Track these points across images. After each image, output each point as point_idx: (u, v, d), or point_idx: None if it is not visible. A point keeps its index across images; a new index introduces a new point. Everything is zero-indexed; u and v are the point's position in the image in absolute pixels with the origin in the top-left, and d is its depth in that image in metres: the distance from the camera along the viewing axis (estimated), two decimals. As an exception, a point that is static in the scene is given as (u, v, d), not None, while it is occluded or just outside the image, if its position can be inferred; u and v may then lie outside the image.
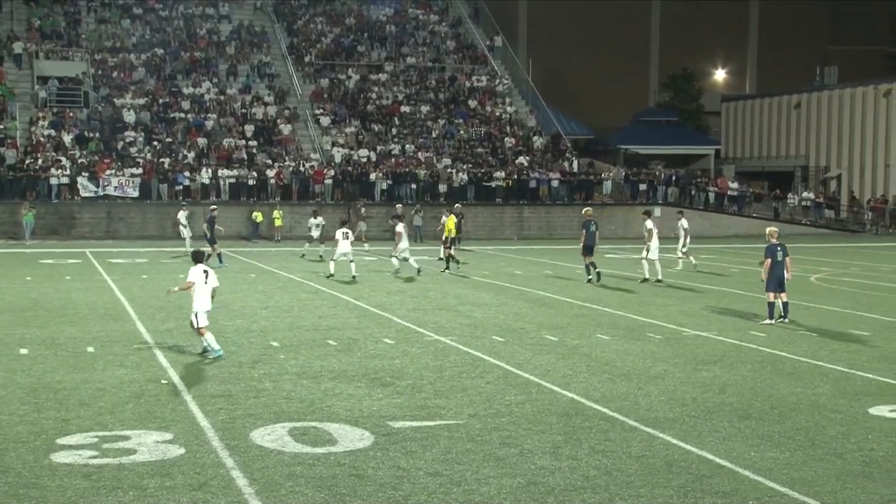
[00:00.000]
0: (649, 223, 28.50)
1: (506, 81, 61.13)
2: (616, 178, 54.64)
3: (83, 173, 45.80)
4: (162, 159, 48.16)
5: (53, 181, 45.31)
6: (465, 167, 52.09)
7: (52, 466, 9.80)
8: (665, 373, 14.98)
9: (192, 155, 49.11)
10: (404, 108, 56.64)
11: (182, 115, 52.01)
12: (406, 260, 29.59)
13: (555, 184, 52.48)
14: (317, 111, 55.05)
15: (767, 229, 20.80)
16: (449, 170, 51.65)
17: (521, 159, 53.80)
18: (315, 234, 35.63)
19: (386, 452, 10.45)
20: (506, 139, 55.78)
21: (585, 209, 30.58)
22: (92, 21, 57.70)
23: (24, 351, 16.06)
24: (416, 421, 11.80)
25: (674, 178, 56.29)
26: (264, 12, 62.63)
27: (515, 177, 52.06)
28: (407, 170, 50.98)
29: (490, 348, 16.96)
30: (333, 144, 52.36)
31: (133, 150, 48.61)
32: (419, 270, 29.36)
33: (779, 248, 19.84)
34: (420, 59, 61.34)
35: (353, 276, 27.64)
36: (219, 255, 30.85)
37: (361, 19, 63.81)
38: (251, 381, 13.97)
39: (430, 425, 11.60)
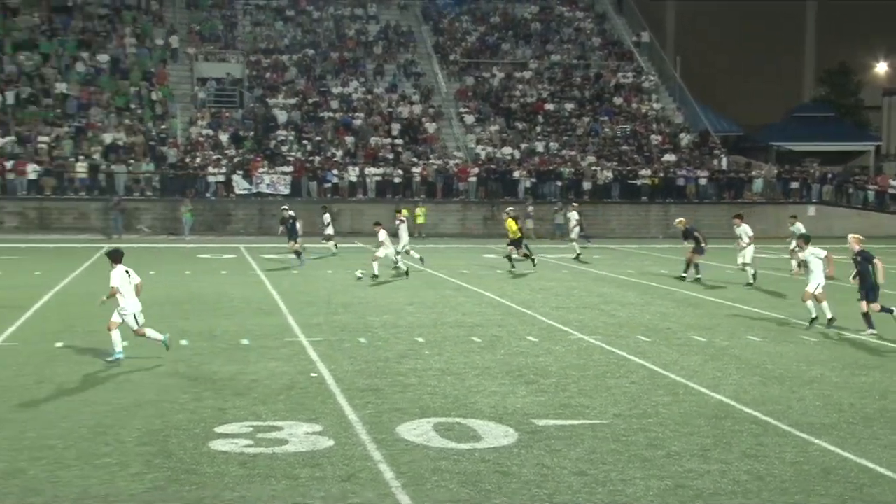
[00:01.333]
0: (799, 225, 28.04)
1: (652, 77, 60.18)
2: (768, 176, 53.10)
3: (238, 171, 47.38)
4: (311, 157, 49.38)
5: (211, 179, 47.04)
6: (609, 165, 51.56)
7: (211, 454, 10.20)
8: (820, 377, 14.50)
9: (340, 153, 50.18)
10: (548, 106, 56.44)
11: (331, 114, 53.20)
12: (400, 254, 29.29)
13: (703, 182, 51.38)
14: (461, 109, 55.42)
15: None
16: (593, 167, 51.21)
17: (668, 157, 52.88)
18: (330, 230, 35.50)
19: (530, 450, 10.46)
20: (652, 136, 54.93)
21: (678, 220, 30.05)
22: (247, 24, 59.58)
23: (184, 342, 16.75)
24: (560, 419, 11.77)
25: (829, 176, 54.30)
26: (411, 12, 63.41)
27: (661, 175, 51.21)
28: (551, 167, 50.80)
29: (635, 348, 16.76)
30: (477, 142, 52.62)
31: (284, 148, 49.99)
32: (406, 272, 27.77)
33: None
34: (565, 56, 60.99)
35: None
36: (298, 254, 30.66)
37: (506, 17, 63.89)
38: (397, 377, 14.19)
39: (574, 424, 11.55)
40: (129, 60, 53.94)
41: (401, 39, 60.63)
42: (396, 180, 48.94)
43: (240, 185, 47.04)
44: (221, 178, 47.19)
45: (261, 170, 47.58)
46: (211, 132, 50.42)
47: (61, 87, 50.93)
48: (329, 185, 48.04)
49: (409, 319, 19.80)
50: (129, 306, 14.81)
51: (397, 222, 31.02)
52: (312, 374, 14.23)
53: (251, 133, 50.78)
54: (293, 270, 28.99)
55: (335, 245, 35.17)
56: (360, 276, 26.76)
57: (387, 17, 62.70)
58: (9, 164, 45.17)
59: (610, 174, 50.70)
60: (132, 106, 50.98)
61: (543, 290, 25.03)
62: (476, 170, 49.81)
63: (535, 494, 9.09)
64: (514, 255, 29.77)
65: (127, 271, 14.82)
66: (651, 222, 50.02)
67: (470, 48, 60.47)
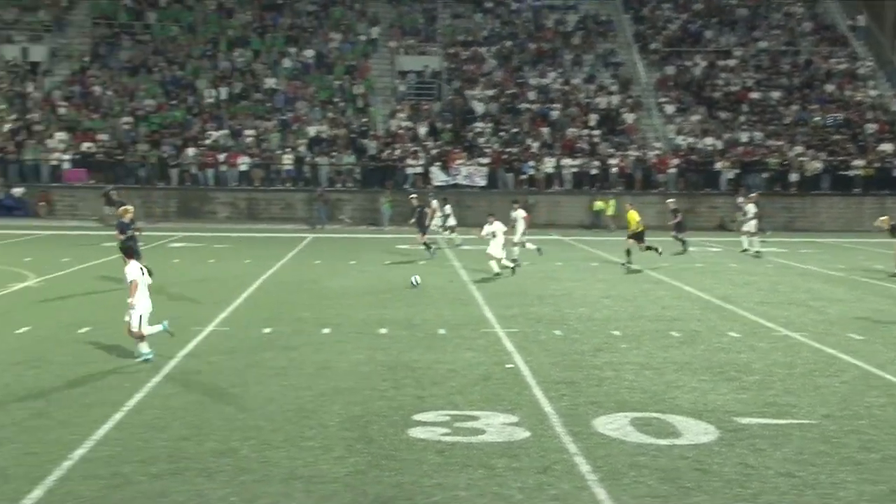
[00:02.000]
0: None
1: (869, 63, 57.16)
2: None
3: (435, 163, 48.21)
4: (508, 149, 49.64)
5: (409, 171, 48.07)
6: (819, 155, 49.35)
7: (409, 441, 10.45)
8: None
9: (536, 144, 50.22)
10: (754, 95, 54.56)
11: (528, 105, 53.29)
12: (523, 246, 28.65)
13: (922, 173, 48.46)
14: (661, 99, 54.37)
15: None
16: (801, 158, 49.17)
17: (885, 146, 50.11)
18: (451, 222, 34.85)
19: (732, 448, 10.19)
20: (867, 125, 52.19)
21: (881, 218, 28.49)
22: (447, 16, 60.46)
23: (383, 331, 17.20)
24: (765, 418, 11.39)
25: None
26: (611, 2, 62.67)
27: (877, 165, 48.59)
28: (756, 158, 49.12)
29: (846, 346, 16.01)
30: (678, 132, 51.50)
31: (481, 140, 50.47)
32: (513, 268, 26.49)
33: None
34: (773, 43, 58.78)
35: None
36: (427, 245, 30.38)
37: (710, 4, 62.17)
38: (593, 370, 14.10)
39: (779, 423, 11.16)
40: (332, 55, 55.78)
41: (600, 29, 60.03)
42: (593, 172, 48.55)
43: (437, 176, 47.84)
44: (420, 169, 48.13)
45: (458, 161, 48.23)
46: (410, 124, 51.49)
47: (270, 82, 53.23)
48: (525, 176, 48.17)
49: (605, 312, 19.63)
50: (141, 305, 14.07)
51: (513, 214, 30.59)
52: (508, 366, 14.33)
53: (449, 125, 51.53)
54: (420, 262, 28.99)
55: (456, 236, 34.81)
56: (511, 265, 26.24)
57: (586, 6, 62.21)
58: (221, 157, 47.62)
59: (819, 165, 48.55)
60: (335, 99, 52.69)
61: (746, 285, 24.27)
62: (676, 161, 48.77)
63: (738, 494, 8.84)
64: (637, 249, 28.48)
65: (142, 269, 14.28)
66: (864, 215, 47.52)
67: (671, 36, 59.21)
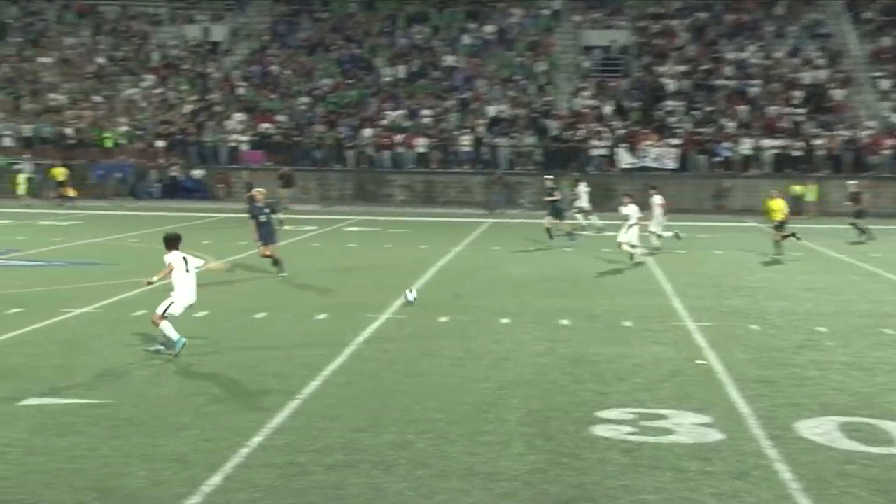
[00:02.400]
0: None
1: None
2: None
3: (622, 144, 47.58)
4: (701, 129, 48.47)
5: (593, 152, 47.63)
6: None
7: (592, 439, 10.34)
8: None
9: (733, 124, 48.83)
10: (983, 66, 51.38)
11: (724, 81, 51.87)
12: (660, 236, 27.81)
13: None
14: (875, 73, 51.85)
15: None
16: None
17: None
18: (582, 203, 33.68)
19: (956, 462, 9.62)
20: None
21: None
22: (635, -13, 59.53)
23: (564, 321, 17.10)
24: None
25: None
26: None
27: None
28: (984, 138, 46.28)
29: None
30: (894, 110, 49.01)
31: (672, 119, 49.48)
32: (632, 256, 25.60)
33: None
34: None
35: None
36: (569, 233, 29.84)
37: (933, -35, 58.85)
38: (795, 368, 13.60)
39: None
40: (514, 30, 55.82)
41: (807, -3, 57.82)
42: (796, 153, 46.82)
43: (624, 158, 47.22)
44: (605, 151, 47.62)
45: (646, 143, 47.44)
46: (595, 103, 51.00)
47: (449, 60, 53.76)
48: (720, 158, 46.94)
49: (807, 307, 18.91)
50: (179, 295, 13.99)
51: (651, 199, 29.47)
52: (700, 362, 13.99)
53: (637, 104, 50.74)
54: (566, 249, 28.46)
55: (592, 220, 34.04)
56: (632, 251, 25.52)
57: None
58: (398, 138, 48.47)
59: None
60: (516, 77, 52.73)
61: (972, 280, 22.90)
62: (892, 141, 46.44)
63: (961, 514, 8.34)
64: (780, 238, 27.37)
65: (185, 258, 14.12)
66: None
67: (889, 4, 56.31)
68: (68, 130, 49.34)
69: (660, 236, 28.84)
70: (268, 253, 22.68)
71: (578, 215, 34.01)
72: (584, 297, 19.83)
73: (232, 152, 48.87)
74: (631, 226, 25.51)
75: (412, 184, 47.81)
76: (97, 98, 52.12)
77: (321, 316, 17.34)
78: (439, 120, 49.99)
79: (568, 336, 15.82)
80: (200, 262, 14.88)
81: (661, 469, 9.38)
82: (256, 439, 10.14)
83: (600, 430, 10.58)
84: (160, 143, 48.94)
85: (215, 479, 8.99)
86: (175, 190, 46.75)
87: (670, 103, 50.58)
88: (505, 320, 17.10)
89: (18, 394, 11.73)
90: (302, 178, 45.90)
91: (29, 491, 8.67)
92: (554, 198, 30.07)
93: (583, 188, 34.48)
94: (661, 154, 47.12)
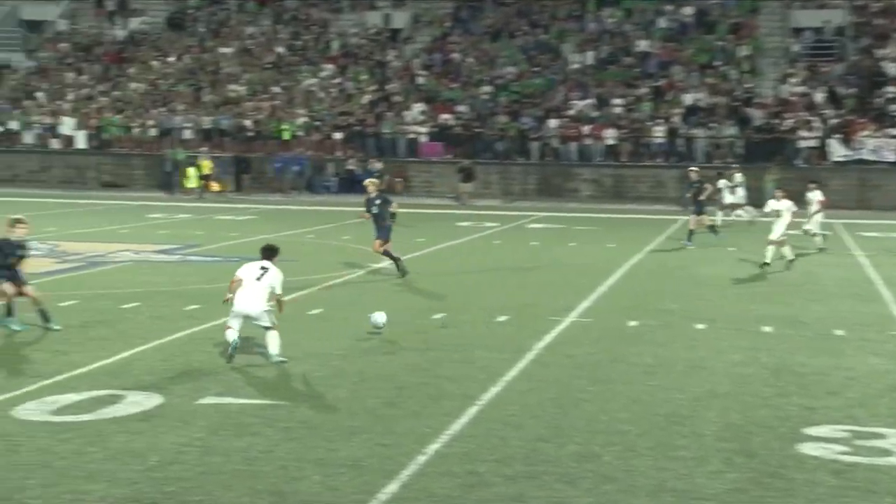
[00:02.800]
0: None
1: None
2: None
3: (835, 135, 45.91)
4: (926, 118, 46.31)
5: (802, 144, 46.13)
6: None
7: (799, 457, 10.03)
8: None
9: (963, 112, 46.43)
10: None
11: (953, 64, 49.35)
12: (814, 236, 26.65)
13: None
14: None
15: None
16: None
17: None
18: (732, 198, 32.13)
19: None
20: None
21: None
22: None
23: (766, 328, 16.65)
24: None
25: None
26: None
27: None
28: None
29: None
30: None
31: (893, 108, 47.41)
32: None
33: None
34: None
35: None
36: (712, 228, 29.17)
37: None
38: None
39: None
40: (714, 12, 54.67)
41: None
42: None
43: (836, 151, 45.55)
44: (814, 142, 46.05)
45: (863, 133, 45.62)
46: (805, 90, 49.39)
47: (642, 45, 53.11)
48: (947, 150, 44.70)
49: None
50: (236, 302, 13.84)
51: (808, 195, 28.37)
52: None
53: (853, 90, 48.85)
54: (709, 247, 27.55)
55: (747, 211, 32.62)
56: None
57: None
58: (586, 129, 48.18)
59: None
60: (716, 63, 51.61)
61: None
62: None
63: None
64: None
65: (263, 268, 14.04)
66: None
67: None
68: (247, 122, 51.17)
69: (822, 235, 28.31)
70: (381, 250, 22.27)
71: (720, 211, 33.40)
72: (790, 303, 19.27)
73: (410, 144, 49.64)
74: (781, 220, 24.33)
75: (600, 178, 47.45)
76: (276, 89, 53.88)
77: (501, 318, 17.42)
78: (630, 109, 49.44)
79: (771, 344, 15.41)
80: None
81: (878, 494, 9.03)
82: (434, 446, 10.28)
83: (808, 449, 10.26)
84: (338, 136, 50.18)
85: (392, 487, 9.16)
86: (352, 184, 47.82)
87: (891, 90, 48.45)
88: (699, 325, 16.79)
89: (196, 392, 12.25)
90: (483, 172, 46.27)
91: (206, 492, 9.05)
92: (702, 193, 29.35)
93: (738, 179, 33.64)
94: (879, 145, 45.21)
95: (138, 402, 11.77)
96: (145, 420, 11.08)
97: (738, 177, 34.43)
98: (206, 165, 46.68)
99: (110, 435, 10.52)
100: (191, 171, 46.40)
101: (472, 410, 11.61)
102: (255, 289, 13.88)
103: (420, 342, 15.39)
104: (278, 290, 14.09)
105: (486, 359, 14.27)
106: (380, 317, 16.09)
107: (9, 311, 15.61)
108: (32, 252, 15.85)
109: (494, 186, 47.59)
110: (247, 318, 13.85)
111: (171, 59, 57.37)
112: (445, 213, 38.77)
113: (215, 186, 46.30)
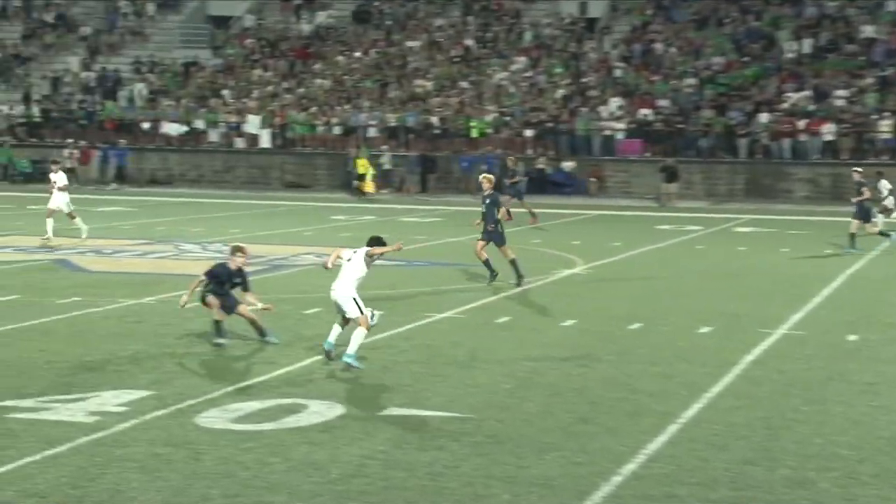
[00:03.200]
0: None
1: None
2: None
3: None
4: None
5: None
6: None
7: None
8: None
9: None
10: None
11: None
12: None
13: None
14: None
15: None
16: None
17: None
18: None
19: None
20: None
21: None
22: None
23: None
24: None
25: None
26: None
27: None
28: None
29: None
30: None
31: None
32: None
33: None
34: None
35: None
36: (884, 234, 28.14)
37: None
38: None
39: None
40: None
41: None
42: None
43: None
44: None
45: None
46: None
47: (867, 31, 51.29)
48: None
49: None
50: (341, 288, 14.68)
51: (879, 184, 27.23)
52: None
53: None
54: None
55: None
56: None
57: None
58: (801, 124, 46.81)
59: None
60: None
61: None
62: None
63: None
64: None
65: (355, 250, 15.00)
66: None
67: None
68: (433, 119, 51.83)
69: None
70: (483, 255, 21.69)
71: (881, 214, 31.75)
72: None
73: (606, 142, 49.30)
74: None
75: (816, 177, 46.04)
76: (464, 84, 54.41)
77: (704, 329, 17.14)
78: (853, 102, 47.78)
79: None
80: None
81: None
82: (630, 466, 10.20)
83: None
84: (528, 133, 50.28)
85: (584, 509, 9.14)
86: (543, 184, 47.85)
87: None
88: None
89: (379, 403, 12.50)
90: (685, 171, 45.55)
91: (389, 507, 9.23)
92: (863, 196, 28.10)
93: (885, 185, 31.94)
94: None
95: (320, 411, 12.07)
96: (327, 431, 11.36)
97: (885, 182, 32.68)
98: (363, 164, 47.30)
99: (292, 445, 10.83)
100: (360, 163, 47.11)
101: (672, 429, 11.47)
102: (346, 272, 14.79)
103: (616, 353, 15.29)
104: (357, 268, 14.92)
105: (687, 373, 14.09)
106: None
107: (217, 329, 15.78)
108: (249, 278, 16.44)
109: (697, 187, 46.82)
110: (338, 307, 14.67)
111: (357, 53, 58.67)
112: (643, 216, 38.38)
113: (369, 187, 46.70)
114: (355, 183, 46.92)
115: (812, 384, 13.56)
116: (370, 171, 46.89)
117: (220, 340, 15.54)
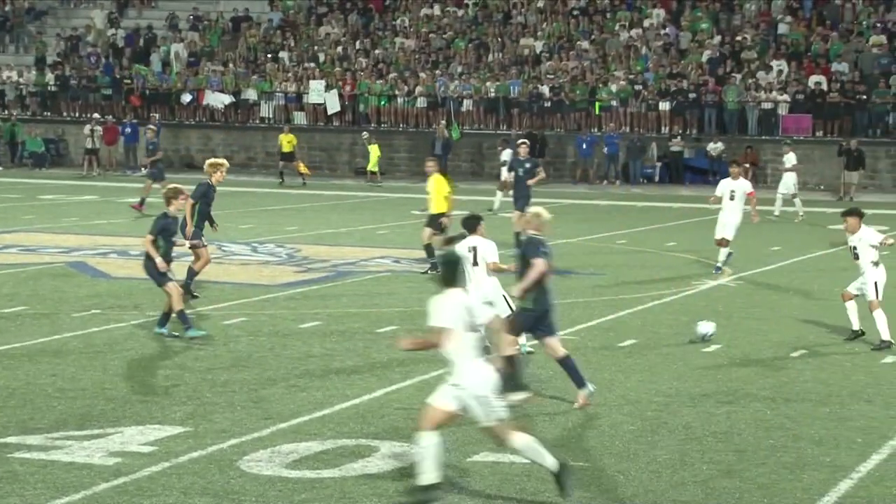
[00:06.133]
0: None
1: None
2: None
3: None
4: None
5: None
6: None
7: None
8: None
9: None
10: None
11: None
12: None
13: None
14: None
15: None
16: None
17: None
18: None
19: None
20: None
21: None
22: None
23: None
24: None
25: None
26: None
27: None
28: None
29: None
30: None
31: None
32: None
33: None
34: None
35: None
36: None
37: None
38: None
39: None
40: None
41: None
42: None
43: None
44: None
45: None
46: None
47: None
48: None
49: None
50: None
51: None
52: None
53: None
54: None
55: None
56: None
57: None
58: None
59: None
60: None
61: None
62: None
63: None
64: None
65: (471, 247, 15.73)
66: None
67: None
68: (544, 89, 51.61)
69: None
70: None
71: None
72: None
73: (766, 117, 48.73)
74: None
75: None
76: (583, 44, 54.12)
77: (889, 359, 16.92)
78: None
79: None
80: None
81: None
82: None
83: None
84: (664, 106, 49.88)
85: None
86: (682, 170, 47.56)
87: None
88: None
89: (469, 446, 12.47)
90: (869, 156, 44.79)
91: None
92: None
93: None
94: None
95: (395, 454, 12.13)
96: (402, 480, 11.41)
97: None
98: (287, 140, 47.89)
99: (359, 498, 10.92)
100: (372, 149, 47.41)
101: (844, 486, 11.39)
102: (476, 274, 15.33)
103: (772, 388, 15.16)
104: (493, 259, 15.75)
105: (866, 415, 13.96)
106: (707, 327, 17.31)
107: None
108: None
109: (885, 175, 46.21)
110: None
111: (450, 6, 58.70)
112: (813, 212, 37.84)
113: (303, 168, 47.38)
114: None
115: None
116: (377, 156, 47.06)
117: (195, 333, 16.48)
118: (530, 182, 27.65)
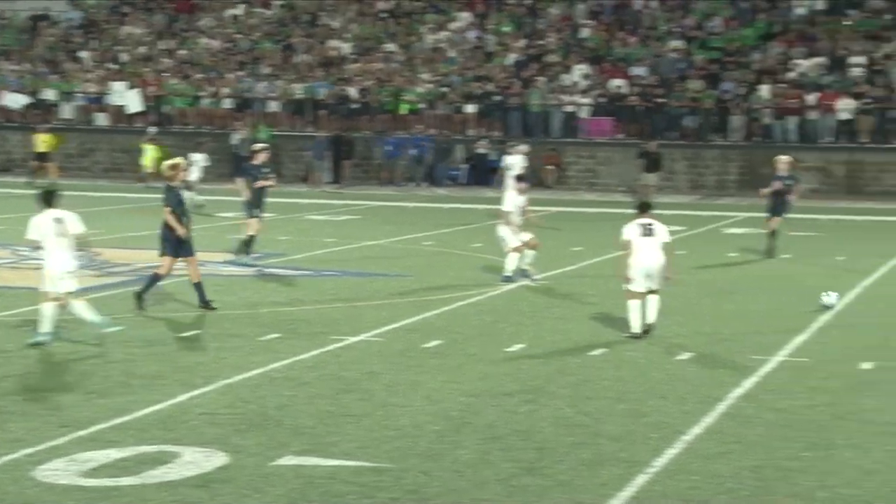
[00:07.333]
0: None
1: None
2: None
3: None
4: None
5: None
6: None
7: None
8: None
9: None
10: None
11: None
12: None
13: None
14: None
15: None
16: None
17: None
18: None
19: None
20: None
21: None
22: None
23: None
24: None
25: None
26: None
27: None
28: None
29: None
30: None
31: None
32: None
33: None
34: None
35: None
36: None
37: None
38: None
39: None
40: None
41: None
42: None
43: None
44: None
45: None
46: None
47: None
48: None
49: None
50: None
51: None
52: None
53: None
54: None
55: None
56: None
57: None
58: (811, 99, 47.20)
59: None
60: None
61: None
62: None
63: None
64: None
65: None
66: None
67: None
68: (351, 91, 51.69)
69: None
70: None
71: None
72: None
73: (568, 120, 49.42)
74: None
75: (828, 166, 46.52)
76: (391, 46, 54.32)
77: (684, 355, 17.31)
78: (875, 72, 48.40)
79: None
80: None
81: None
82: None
83: None
84: (470, 108, 50.28)
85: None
86: (486, 172, 47.94)
87: None
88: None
89: (273, 450, 12.41)
90: (667, 158, 45.71)
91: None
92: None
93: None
94: None
95: (196, 461, 12.00)
96: (204, 486, 11.29)
97: None
98: (44, 141, 47.68)
99: (158, 505, 10.79)
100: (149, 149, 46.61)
101: (640, 480, 11.56)
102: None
103: (572, 387, 15.37)
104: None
105: (660, 411, 14.19)
106: (831, 297, 20.46)
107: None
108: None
109: (681, 176, 47.23)
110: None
111: (256, 7, 58.38)
112: (613, 213, 38.42)
113: (53, 171, 46.75)
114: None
115: (816, 425, 13.70)
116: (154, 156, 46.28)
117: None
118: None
